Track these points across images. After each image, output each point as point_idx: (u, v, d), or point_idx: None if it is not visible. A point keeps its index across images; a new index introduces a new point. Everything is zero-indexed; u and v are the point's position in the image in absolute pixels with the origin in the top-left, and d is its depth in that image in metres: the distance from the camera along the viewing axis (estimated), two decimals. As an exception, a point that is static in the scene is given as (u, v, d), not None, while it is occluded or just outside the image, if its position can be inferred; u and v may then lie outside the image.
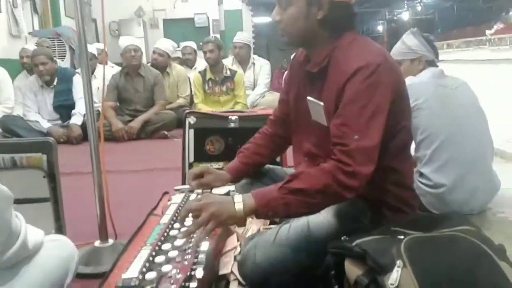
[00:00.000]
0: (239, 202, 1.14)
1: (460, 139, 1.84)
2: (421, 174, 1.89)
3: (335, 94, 1.21)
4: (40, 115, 4.30)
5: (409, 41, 2.07)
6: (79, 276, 1.32)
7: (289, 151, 1.72)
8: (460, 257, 0.89)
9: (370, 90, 1.16)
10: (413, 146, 1.92)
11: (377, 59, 1.18)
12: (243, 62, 5.01)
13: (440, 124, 1.86)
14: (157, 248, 1.07)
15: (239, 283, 1.22)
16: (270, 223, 1.57)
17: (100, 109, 3.79)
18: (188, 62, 5.68)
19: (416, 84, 1.93)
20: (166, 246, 1.09)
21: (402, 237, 0.96)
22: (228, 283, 1.24)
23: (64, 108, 4.32)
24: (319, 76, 1.29)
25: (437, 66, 2.06)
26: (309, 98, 1.33)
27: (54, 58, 4.43)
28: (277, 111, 1.58)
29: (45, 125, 4.22)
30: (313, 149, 1.36)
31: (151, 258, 1.02)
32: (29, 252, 0.99)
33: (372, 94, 1.16)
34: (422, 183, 1.88)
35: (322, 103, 1.26)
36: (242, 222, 1.19)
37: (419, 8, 14.78)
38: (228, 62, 4.98)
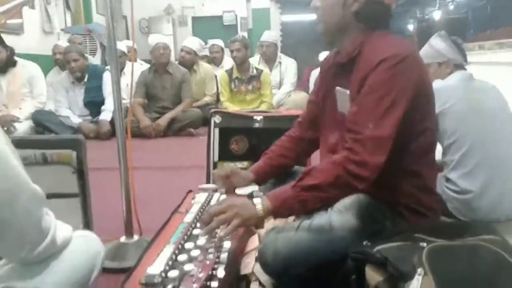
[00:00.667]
0: (258, 203, 1.17)
1: (488, 145, 1.80)
2: (448, 180, 1.86)
3: (359, 83, 1.21)
4: (71, 110, 4.41)
5: (437, 44, 2.04)
6: (104, 270, 1.35)
7: (315, 154, 1.72)
8: (482, 267, 0.88)
9: (391, 80, 1.16)
10: (440, 150, 1.90)
11: (404, 52, 1.18)
12: (270, 61, 5.02)
13: (468, 129, 1.82)
14: (180, 246, 1.10)
15: (260, 283, 1.23)
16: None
17: (128, 105, 3.86)
18: (215, 60, 5.73)
19: (444, 87, 1.90)
20: (189, 245, 1.11)
21: (424, 244, 0.95)
22: (249, 283, 1.25)
23: (94, 104, 4.42)
24: (348, 67, 1.30)
25: (465, 70, 2.03)
26: (337, 88, 1.35)
27: (85, 55, 4.54)
28: (306, 113, 1.59)
29: (76, 120, 4.32)
30: (339, 142, 1.37)
31: (174, 257, 1.04)
32: (58, 248, 1.02)
33: (393, 85, 1.15)
34: (449, 189, 1.85)
35: (348, 91, 1.28)
36: (261, 224, 1.22)
37: (451, 7, 14.46)
38: (255, 61, 5.00)
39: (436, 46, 2.03)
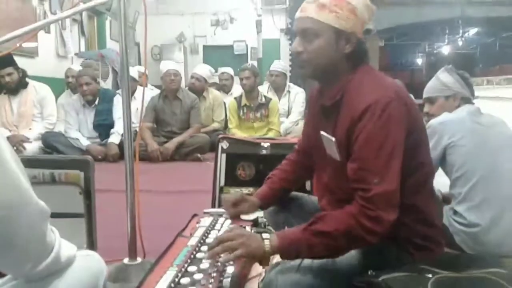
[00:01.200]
0: (266, 239, 1.16)
1: (497, 179, 1.79)
2: (456, 212, 1.85)
3: (346, 130, 1.21)
4: (80, 132, 4.46)
5: (444, 78, 2.05)
6: (107, 292, 1.35)
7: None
8: (489, 300, 0.87)
9: (383, 129, 1.15)
10: (448, 183, 1.89)
11: (387, 95, 1.17)
12: (279, 89, 5.07)
13: (476, 162, 1.82)
14: (183, 269, 1.09)
15: (262, 310, 1.22)
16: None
17: (137, 129, 3.90)
18: (224, 87, 5.79)
19: (452, 120, 1.90)
20: (192, 268, 1.10)
21: (430, 275, 0.94)
22: (251, 310, 1.24)
23: (103, 127, 4.47)
24: (333, 111, 1.29)
25: (473, 104, 2.03)
26: (322, 133, 1.33)
27: (98, 79, 4.62)
28: (301, 142, 1.60)
29: (85, 142, 4.36)
30: (330, 182, 1.37)
31: (176, 279, 1.03)
32: (61, 266, 1.02)
33: (386, 133, 1.15)
34: (456, 221, 1.83)
35: (333, 139, 1.26)
36: (266, 261, 1.19)
37: (460, 43, 14.62)
38: (264, 89, 5.05)
39: (443, 80, 2.05)
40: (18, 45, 1.74)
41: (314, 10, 1.24)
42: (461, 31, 13.37)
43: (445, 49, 15.09)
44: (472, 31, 13.87)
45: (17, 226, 0.85)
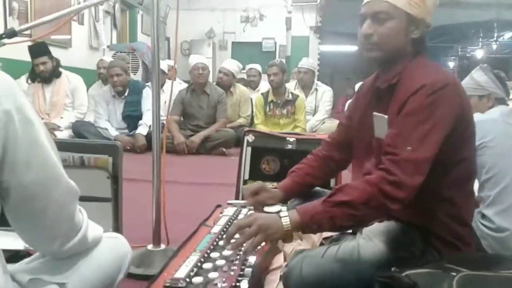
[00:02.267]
0: (285, 216, 1.16)
1: (528, 182, 1.74)
2: (484, 216, 1.80)
3: (398, 107, 1.21)
4: (109, 123, 4.54)
5: (479, 77, 2.00)
6: (130, 276, 1.37)
7: (346, 178, 1.71)
8: (516, 301, 0.84)
9: (431, 106, 1.15)
10: (477, 185, 1.85)
11: (445, 79, 1.18)
12: (306, 87, 5.05)
13: (507, 165, 1.77)
14: (206, 255, 1.10)
15: (283, 301, 1.22)
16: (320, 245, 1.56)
17: (165, 122, 3.94)
18: (252, 83, 5.80)
19: (484, 121, 1.86)
20: (214, 254, 1.11)
21: (454, 274, 0.93)
22: (271, 301, 1.24)
23: (132, 118, 4.54)
24: (387, 94, 1.30)
25: (507, 105, 1.98)
26: (374, 113, 1.33)
27: (128, 71, 4.70)
28: (335, 134, 1.59)
29: (113, 133, 4.44)
30: (373, 169, 1.35)
31: (199, 264, 1.04)
32: (88, 246, 1.04)
33: (433, 111, 1.15)
34: (484, 225, 1.79)
35: (386, 116, 1.27)
36: (289, 237, 1.19)
37: (494, 47, 14.24)
38: (291, 86, 5.05)
39: (478, 79, 2.00)
40: (52, 30, 1.77)
41: None
42: (496, 34, 13.03)
43: (479, 53, 14.72)
44: (508, 35, 13.49)
45: (48, 203, 0.87)
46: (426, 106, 1.15)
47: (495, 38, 13.51)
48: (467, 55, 15.56)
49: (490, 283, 0.89)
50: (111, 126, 4.50)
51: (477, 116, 1.89)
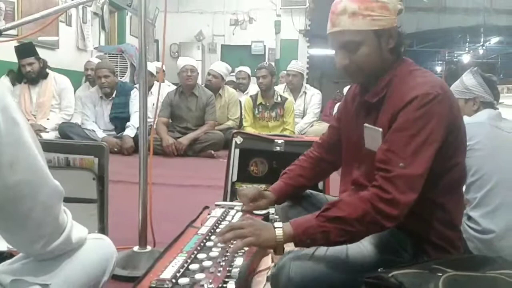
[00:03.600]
0: (279, 228, 1.15)
1: (513, 185, 1.76)
2: (470, 218, 1.81)
3: (389, 121, 1.20)
4: (96, 124, 4.51)
5: (467, 80, 2.02)
6: (115, 277, 1.36)
7: (333, 179, 1.71)
8: (502, 300, 0.85)
9: (422, 120, 1.14)
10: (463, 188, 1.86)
11: (434, 90, 1.16)
12: (295, 90, 5.07)
13: (493, 167, 1.78)
14: (192, 256, 1.09)
15: (270, 303, 1.21)
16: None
17: (153, 124, 3.92)
18: (241, 86, 5.80)
19: (471, 124, 1.86)
20: (201, 256, 1.10)
21: (441, 274, 0.93)
22: (258, 302, 1.23)
23: (119, 120, 4.52)
24: (376, 105, 1.29)
25: (495, 109, 2.00)
26: (366, 125, 1.32)
27: (116, 73, 4.67)
28: (326, 136, 1.59)
29: (100, 134, 4.41)
30: (361, 178, 1.35)
31: (185, 265, 1.04)
32: (72, 247, 1.03)
33: (424, 124, 1.14)
34: (470, 227, 1.80)
35: (380, 129, 1.25)
36: (280, 249, 1.18)
37: (481, 52, 14.44)
38: (280, 89, 5.06)
39: (466, 82, 2.02)
40: (39, 29, 1.75)
41: (347, 22, 1.22)
42: (482, 39, 13.20)
43: (466, 58, 14.91)
44: (494, 40, 13.68)
45: (33, 204, 0.86)
46: (417, 120, 1.14)
47: (481, 43, 13.70)
48: (454, 59, 15.75)
49: (476, 283, 0.90)
50: (98, 128, 4.46)
51: (464, 119, 1.91)
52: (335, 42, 1.28)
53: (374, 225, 1.12)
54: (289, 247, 1.49)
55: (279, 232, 1.14)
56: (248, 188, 1.60)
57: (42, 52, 4.62)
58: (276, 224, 1.16)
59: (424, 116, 1.14)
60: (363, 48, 1.23)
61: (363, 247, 1.19)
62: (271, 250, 1.42)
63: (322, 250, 1.21)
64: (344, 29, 1.23)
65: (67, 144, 1.55)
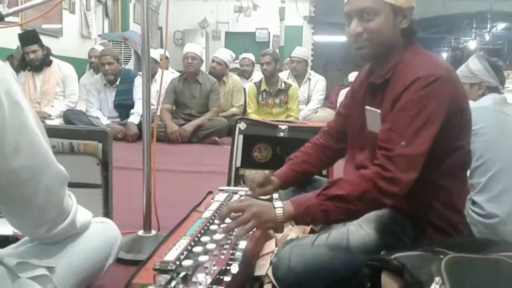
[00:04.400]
0: (279, 207, 1.16)
1: (518, 170, 1.75)
2: (474, 203, 1.81)
3: (392, 101, 1.21)
4: (101, 112, 4.52)
5: (473, 65, 2.01)
6: (120, 261, 1.37)
7: (337, 165, 1.70)
8: (503, 282, 0.85)
9: (425, 100, 1.14)
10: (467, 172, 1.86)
11: (438, 72, 1.17)
12: (299, 76, 5.04)
13: (498, 151, 1.78)
14: (196, 239, 1.10)
15: (273, 286, 1.22)
16: (310, 233, 1.56)
17: (156, 111, 3.92)
18: (245, 73, 5.78)
19: (475, 108, 1.84)
20: (205, 238, 1.11)
21: (443, 256, 0.93)
22: (262, 285, 1.24)
23: (123, 107, 4.52)
24: (381, 88, 1.29)
25: (501, 93, 1.99)
26: (367, 107, 1.33)
27: (120, 60, 4.67)
28: (333, 123, 1.58)
29: (105, 121, 4.42)
30: (366, 161, 1.35)
31: (189, 247, 1.04)
32: (77, 231, 1.04)
33: (426, 104, 1.14)
34: (474, 212, 1.80)
35: (379, 111, 1.26)
36: (280, 228, 1.19)
37: (487, 38, 14.28)
38: (284, 75, 5.03)
39: (472, 67, 2.00)
40: (42, 14, 1.75)
41: None
42: (489, 25, 13.04)
43: (472, 44, 14.74)
44: (501, 26, 13.51)
45: (37, 188, 0.87)
46: (419, 100, 1.15)
47: (488, 29, 13.53)
48: (460, 46, 15.59)
49: (477, 264, 0.90)
50: (102, 115, 4.48)
51: (469, 104, 1.90)
52: (353, 8, 1.26)
53: (374, 202, 1.14)
54: (292, 231, 1.51)
55: (279, 212, 1.15)
56: (255, 173, 1.60)
57: (45, 40, 4.62)
58: (276, 204, 1.17)
59: (426, 97, 1.14)
60: (378, 17, 1.24)
61: (364, 233, 1.19)
62: (275, 234, 1.43)
63: (322, 238, 1.21)
64: None
65: (71, 130, 1.56)
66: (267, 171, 2.09)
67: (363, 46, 1.28)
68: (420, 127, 1.14)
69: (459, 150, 1.25)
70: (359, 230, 1.20)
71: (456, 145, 1.24)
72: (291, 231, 1.53)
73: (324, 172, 2.01)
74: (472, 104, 1.90)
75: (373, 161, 1.23)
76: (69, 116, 4.35)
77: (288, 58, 5.66)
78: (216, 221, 1.24)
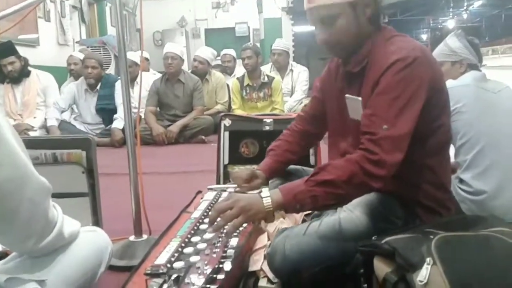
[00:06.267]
0: (267, 197, 1.16)
1: (502, 144, 1.77)
2: (461, 180, 1.83)
3: (371, 87, 1.21)
4: (83, 118, 4.50)
5: (452, 43, 2.02)
6: (113, 268, 1.36)
7: (325, 155, 1.71)
8: (493, 257, 0.86)
9: (403, 82, 1.15)
10: (453, 151, 1.87)
11: (414, 53, 1.17)
12: (282, 68, 5.03)
13: (481, 128, 1.79)
14: (186, 240, 1.10)
15: (269, 280, 1.22)
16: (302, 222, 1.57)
17: (140, 114, 3.90)
18: (227, 69, 5.76)
19: (457, 87, 1.87)
20: (195, 239, 1.11)
21: (433, 237, 0.94)
22: (257, 280, 1.24)
23: (106, 112, 4.47)
24: (359, 75, 1.29)
25: (480, 71, 2.00)
26: (347, 95, 1.33)
27: (104, 67, 4.63)
28: (308, 108, 1.59)
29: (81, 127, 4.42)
30: (350, 148, 1.35)
31: (180, 249, 1.04)
32: (65, 241, 1.03)
33: (405, 86, 1.15)
34: (462, 190, 1.81)
35: (360, 98, 1.27)
36: (270, 217, 1.19)
37: (465, 16, 14.41)
38: (267, 68, 5.02)
39: (451, 45, 2.01)
40: (15, 24, 1.72)
41: None
42: (465, 3, 13.15)
43: (450, 23, 14.86)
44: (477, 3, 13.65)
45: (20, 201, 0.86)
46: (398, 83, 1.16)
47: (465, 7, 13.66)
48: (439, 26, 15.71)
49: (467, 242, 0.91)
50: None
51: (449, 83, 1.91)
52: (313, 18, 1.29)
53: (362, 186, 1.14)
54: (284, 224, 1.51)
55: (267, 201, 1.15)
56: (241, 170, 1.60)
57: (23, 50, 4.56)
58: (263, 194, 1.17)
59: (405, 79, 1.15)
60: (340, 20, 1.25)
61: (355, 218, 1.20)
62: (267, 227, 1.43)
63: (315, 225, 1.22)
64: (319, 4, 1.25)
65: (53, 140, 1.54)
66: (255, 166, 2.11)
67: (333, 48, 1.31)
68: (401, 109, 1.14)
69: (441, 128, 1.26)
70: (351, 216, 1.21)
71: (438, 123, 1.25)
72: (283, 224, 1.53)
73: (312, 162, 2.02)
74: (453, 82, 1.93)
75: (357, 148, 1.23)
76: (63, 128, 4.30)
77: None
78: (206, 221, 1.24)
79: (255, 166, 2.10)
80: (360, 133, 1.19)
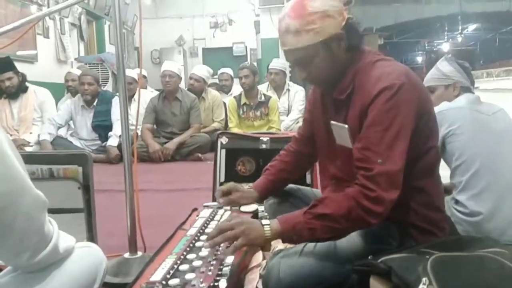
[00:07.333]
0: (266, 225, 1.16)
1: (497, 166, 1.78)
2: (457, 201, 1.83)
3: (359, 115, 1.21)
4: (79, 134, 4.49)
5: (443, 67, 2.04)
6: (108, 285, 1.35)
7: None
8: (488, 278, 0.86)
9: (392, 112, 1.15)
10: (449, 173, 1.88)
11: (400, 80, 1.17)
12: (278, 88, 5.07)
13: (476, 150, 1.80)
14: (182, 257, 1.09)
15: (264, 299, 1.21)
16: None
17: (137, 131, 3.91)
18: (224, 88, 5.79)
19: (451, 109, 1.89)
20: (191, 256, 1.10)
21: (428, 256, 0.94)
22: (252, 299, 1.23)
23: (102, 128, 4.48)
24: (345, 102, 1.29)
25: (473, 93, 2.03)
26: (332, 122, 1.33)
27: (100, 83, 4.66)
28: (302, 130, 1.60)
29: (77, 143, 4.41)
30: (339, 172, 1.36)
31: (175, 266, 1.03)
32: (60, 256, 1.02)
33: (395, 116, 1.15)
34: (458, 211, 1.82)
35: (346, 126, 1.26)
36: (267, 246, 1.20)
37: (459, 39, 14.62)
38: (264, 87, 5.05)
39: (443, 69, 2.04)
40: (14, 40, 1.73)
41: (293, 40, 1.22)
42: (460, 27, 13.35)
43: (445, 46, 15.07)
44: (471, 27, 13.87)
45: (15, 215, 0.85)
46: (387, 113, 1.15)
47: (459, 31, 13.86)
48: (434, 49, 15.92)
49: (463, 262, 0.91)
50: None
51: (444, 105, 1.93)
52: (290, 60, 1.30)
53: (360, 221, 1.13)
54: (279, 242, 1.50)
55: (267, 229, 1.16)
56: (224, 184, 1.63)
57: (21, 66, 4.58)
58: (264, 221, 1.18)
59: (393, 108, 1.15)
60: (316, 60, 1.24)
61: (351, 239, 1.20)
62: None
63: (310, 246, 1.22)
64: (292, 48, 1.24)
65: (50, 155, 1.54)
66: (251, 184, 2.11)
67: (318, 85, 1.34)
68: (392, 140, 1.14)
69: (431, 150, 1.27)
70: (347, 237, 1.21)
71: (428, 145, 1.25)
72: (279, 243, 1.53)
73: (308, 181, 2.02)
74: (447, 104, 1.95)
75: (346, 172, 1.25)
76: (58, 144, 4.29)
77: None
78: (202, 237, 1.23)
79: (251, 184, 2.12)
80: (354, 167, 1.18)
